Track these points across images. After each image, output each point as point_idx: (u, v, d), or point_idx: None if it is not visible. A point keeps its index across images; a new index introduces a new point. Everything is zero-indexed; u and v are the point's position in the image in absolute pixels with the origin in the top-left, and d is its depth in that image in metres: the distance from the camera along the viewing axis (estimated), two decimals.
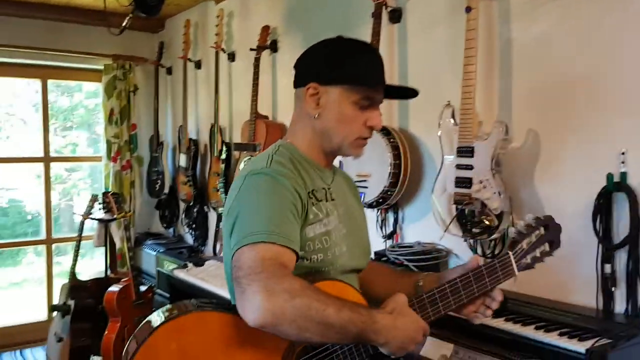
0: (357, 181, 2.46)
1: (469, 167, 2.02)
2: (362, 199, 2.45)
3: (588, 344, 1.50)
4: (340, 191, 1.41)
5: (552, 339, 1.57)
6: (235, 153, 3.45)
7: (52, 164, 4.40)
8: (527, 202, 2.03)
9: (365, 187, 2.41)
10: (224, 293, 2.83)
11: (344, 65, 1.30)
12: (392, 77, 2.51)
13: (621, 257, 1.78)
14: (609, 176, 1.76)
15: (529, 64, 2.04)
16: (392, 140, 2.35)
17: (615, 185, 1.76)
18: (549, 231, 1.39)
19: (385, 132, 2.36)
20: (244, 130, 3.25)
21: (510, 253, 1.35)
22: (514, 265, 1.35)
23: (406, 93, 1.41)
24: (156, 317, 1.19)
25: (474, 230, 2.03)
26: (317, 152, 1.35)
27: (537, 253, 1.38)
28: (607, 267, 1.79)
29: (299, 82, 1.35)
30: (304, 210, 1.24)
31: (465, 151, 2.03)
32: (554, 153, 1.96)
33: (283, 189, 1.20)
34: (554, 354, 1.55)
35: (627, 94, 1.77)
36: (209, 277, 3.07)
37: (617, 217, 1.79)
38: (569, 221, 1.90)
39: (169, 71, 4.38)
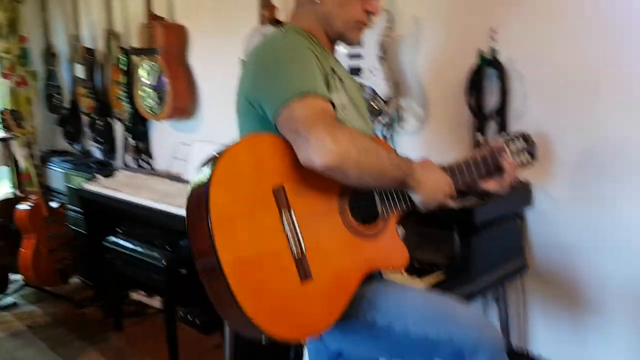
0: None
1: (359, 56, 2.13)
2: None
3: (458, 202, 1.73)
4: (345, 77, 1.45)
5: None
6: (136, 59, 3.36)
7: None
8: (411, 85, 2.19)
9: None
10: (138, 200, 2.87)
11: None
12: None
13: (491, 127, 2.00)
14: (481, 52, 1.94)
15: None
16: None
17: (486, 61, 1.94)
18: (529, 144, 1.50)
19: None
20: (141, 35, 3.15)
21: (507, 149, 1.43)
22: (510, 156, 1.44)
23: None
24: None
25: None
26: (322, 37, 1.39)
27: (521, 159, 1.48)
28: (479, 136, 2.01)
29: None
30: (324, 77, 1.28)
31: None
32: (433, 36, 2.11)
33: (307, 49, 1.26)
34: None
35: None
36: (120, 187, 3.10)
37: (487, 91, 1.99)
38: (448, 97, 2.10)
39: None
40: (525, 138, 1.50)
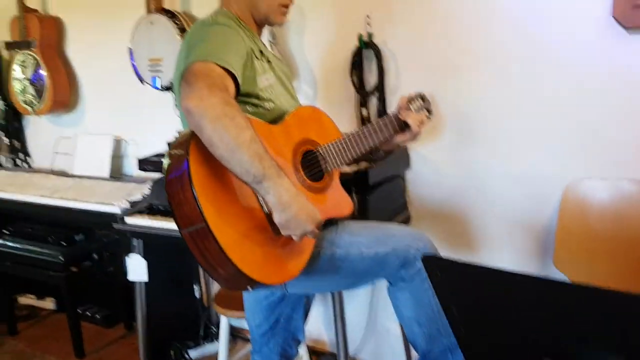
0: (150, 66, 2.58)
1: None
2: (156, 83, 2.61)
3: (354, 167, 1.99)
4: (273, 59, 1.58)
5: None
6: (5, 54, 3.20)
7: None
8: (300, 68, 2.41)
9: (160, 72, 2.55)
10: (28, 198, 2.76)
11: None
12: None
13: (373, 101, 2.29)
14: (360, 36, 2.21)
15: None
16: (177, 22, 2.50)
17: (364, 44, 2.21)
18: (425, 102, 1.79)
19: (170, 14, 2.49)
20: (13, 27, 3.02)
21: (411, 105, 1.72)
22: (414, 112, 1.71)
23: None
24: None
25: None
26: (250, 21, 1.53)
27: (423, 116, 1.74)
28: (364, 111, 2.29)
29: None
30: (248, 59, 1.39)
31: None
32: (317, 22, 2.34)
33: (232, 31, 1.38)
34: None
35: None
36: (2, 187, 2.96)
37: (367, 70, 2.27)
38: (334, 77, 2.35)
39: None
40: (422, 97, 1.80)
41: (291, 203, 1.22)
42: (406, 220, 2.25)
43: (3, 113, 3.33)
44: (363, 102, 2.28)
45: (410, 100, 1.76)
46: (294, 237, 1.29)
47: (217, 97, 1.18)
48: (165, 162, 1.28)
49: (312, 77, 2.40)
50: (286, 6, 1.57)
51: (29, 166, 3.47)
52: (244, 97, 1.42)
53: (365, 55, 2.25)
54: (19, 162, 3.49)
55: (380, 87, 2.24)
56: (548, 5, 1.91)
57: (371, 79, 2.26)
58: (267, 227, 1.31)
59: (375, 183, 2.01)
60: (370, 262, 1.50)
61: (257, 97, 1.45)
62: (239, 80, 1.31)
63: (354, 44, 2.23)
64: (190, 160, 1.20)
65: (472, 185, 2.18)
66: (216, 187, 1.25)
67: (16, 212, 2.89)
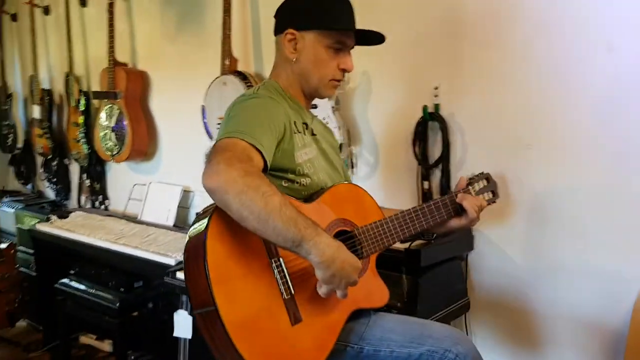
0: (219, 125, 2.62)
1: (314, 107, 2.27)
2: None
3: (406, 245, 1.85)
4: (320, 130, 1.56)
5: None
6: (95, 102, 3.41)
7: None
8: (362, 134, 2.34)
9: None
10: (93, 241, 2.87)
11: (318, 12, 1.43)
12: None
13: (436, 174, 2.16)
14: (425, 107, 2.11)
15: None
16: (248, 84, 2.53)
17: (430, 115, 2.11)
18: (490, 183, 1.65)
19: (242, 76, 2.54)
20: (102, 78, 3.22)
21: (470, 187, 1.58)
22: (474, 195, 1.56)
23: (374, 39, 1.53)
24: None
25: None
26: (298, 93, 1.50)
27: (485, 197, 1.62)
28: (425, 184, 2.16)
29: (278, 29, 1.49)
30: (286, 133, 1.36)
31: None
32: (383, 90, 2.27)
33: (267, 107, 1.34)
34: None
35: (444, 39, 2.10)
36: (75, 227, 3.09)
37: (431, 142, 2.15)
38: (396, 146, 2.25)
39: (14, 18, 4.11)
40: (487, 178, 1.65)
41: (335, 258, 1.16)
42: (464, 309, 2.05)
43: (87, 157, 3.52)
44: (425, 175, 2.16)
45: (472, 181, 1.62)
46: (338, 293, 1.22)
47: (236, 170, 1.13)
48: (191, 231, 1.23)
49: (374, 145, 2.32)
50: (338, 80, 1.52)
51: (106, 208, 3.62)
52: (280, 172, 1.37)
53: (430, 127, 2.14)
54: (97, 204, 3.65)
55: (444, 161, 2.11)
56: None
57: (435, 152, 2.14)
58: (284, 315, 1.22)
59: (429, 264, 1.86)
60: None
61: (294, 172, 1.39)
62: (265, 154, 1.26)
63: (419, 113, 2.13)
64: (207, 239, 1.15)
65: (539, 275, 1.96)
66: (233, 270, 1.18)
67: (83, 253, 2.98)
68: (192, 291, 1.18)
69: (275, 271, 1.23)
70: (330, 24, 1.45)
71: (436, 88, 2.10)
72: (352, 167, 2.38)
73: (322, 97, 1.55)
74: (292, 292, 1.24)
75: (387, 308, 1.79)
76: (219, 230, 1.18)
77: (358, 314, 1.40)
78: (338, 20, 1.47)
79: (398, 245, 1.85)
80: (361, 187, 1.51)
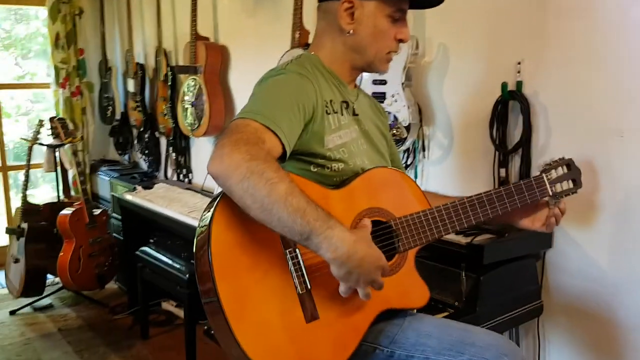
0: None
1: (383, 82, 2.11)
2: None
3: (469, 238, 1.66)
4: (365, 110, 1.42)
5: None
6: (181, 76, 3.47)
7: (4, 92, 4.38)
8: (436, 114, 2.14)
9: None
10: (169, 212, 2.95)
11: None
12: None
13: (515, 161, 1.92)
14: (504, 85, 1.87)
15: None
16: None
17: (510, 94, 1.87)
18: (572, 170, 1.45)
19: None
20: (185, 53, 3.26)
21: (544, 175, 1.39)
22: (548, 185, 1.38)
23: (430, 2, 1.37)
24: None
25: None
26: (343, 67, 1.35)
27: (564, 186, 1.44)
28: (502, 171, 1.93)
29: None
30: (316, 114, 1.23)
31: None
32: (460, 65, 2.06)
33: (294, 85, 1.21)
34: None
35: (526, 8, 1.85)
36: (155, 198, 3.18)
37: (511, 125, 1.91)
38: (473, 129, 2.04)
39: None
40: (568, 164, 1.43)
41: (350, 254, 1.03)
42: (535, 313, 1.82)
43: (172, 131, 3.61)
44: (503, 161, 1.93)
45: (548, 168, 1.40)
46: (360, 292, 1.09)
47: (240, 153, 1.03)
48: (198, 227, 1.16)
49: (449, 125, 2.11)
50: (395, 52, 1.36)
51: (190, 181, 3.71)
52: (308, 156, 1.25)
53: (510, 107, 1.90)
54: (181, 177, 3.75)
55: (525, 146, 1.87)
56: None
57: (516, 136, 1.91)
58: (298, 311, 1.11)
59: (495, 262, 1.66)
60: None
61: (324, 157, 1.25)
62: (282, 136, 1.14)
63: (499, 92, 1.90)
64: (212, 224, 1.07)
65: (626, 282, 1.69)
66: (240, 260, 1.09)
67: (160, 223, 3.07)
68: (198, 280, 1.11)
69: (290, 263, 1.12)
70: None
71: (519, 63, 1.85)
72: (424, 149, 2.19)
73: (375, 71, 1.39)
74: (309, 286, 1.13)
75: (443, 306, 1.63)
76: (225, 218, 1.09)
77: (392, 315, 1.26)
78: None
79: (459, 239, 1.68)
80: (404, 173, 1.35)
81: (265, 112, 1.13)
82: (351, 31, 1.30)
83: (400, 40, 1.34)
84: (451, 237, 1.68)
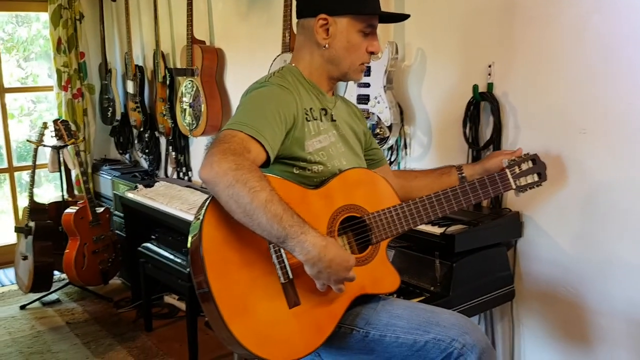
0: None
1: (367, 85, 2.25)
2: None
3: (443, 228, 1.81)
4: (342, 115, 1.55)
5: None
6: (179, 78, 3.61)
7: (8, 95, 4.52)
8: (416, 114, 2.28)
9: None
10: (169, 209, 3.10)
11: None
12: None
13: None
14: (475, 87, 2.01)
15: None
16: None
17: (481, 95, 2.01)
18: (537, 164, 1.60)
19: None
20: (182, 56, 3.39)
21: (508, 170, 1.56)
22: (511, 180, 1.55)
23: (396, 17, 1.55)
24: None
25: None
26: (322, 78, 1.49)
27: (528, 179, 1.59)
28: None
29: (306, 13, 1.46)
30: (297, 122, 1.36)
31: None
32: (436, 68, 2.19)
33: (275, 96, 1.34)
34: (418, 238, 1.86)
35: (496, 17, 1.98)
36: (156, 196, 3.33)
37: (483, 124, 2.05)
38: (449, 128, 2.18)
39: None
40: (533, 159, 1.58)
41: (320, 257, 1.18)
42: (507, 297, 1.97)
43: (171, 130, 3.75)
44: (476, 157, 2.07)
45: (514, 163, 1.56)
46: (333, 288, 1.25)
47: (228, 163, 1.17)
48: (192, 226, 1.30)
49: (428, 125, 2.26)
50: (366, 63, 1.51)
51: (189, 179, 3.85)
52: (291, 159, 1.39)
53: (482, 107, 2.04)
54: (181, 175, 3.90)
55: (495, 143, 2.01)
56: None
57: (487, 134, 2.05)
58: (281, 298, 1.25)
59: (466, 250, 1.80)
60: (407, 349, 1.34)
61: (305, 160, 1.40)
62: (266, 144, 1.27)
63: (471, 93, 2.04)
64: (204, 224, 1.21)
65: (593, 269, 1.83)
66: (229, 255, 1.23)
67: (162, 220, 3.22)
68: (193, 273, 1.25)
69: (274, 256, 1.27)
70: (363, 8, 1.44)
71: (490, 66, 1.99)
72: (406, 147, 2.34)
73: (349, 81, 1.55)
74: (290, 276, 1.27)
75: (420, 291, 1.78)
76: (215, 218, 1.23)
77: (367, 299, 1.40)
78: (369, 3, 1.45)
79: (434, 230, 1.82)
80: (376, 173, 1.49)
81: (250, 123, 1.26)
82: (327, 45, 1.45)
83: (372, 53, 1.49)
84: (427, 227, 1.83)
